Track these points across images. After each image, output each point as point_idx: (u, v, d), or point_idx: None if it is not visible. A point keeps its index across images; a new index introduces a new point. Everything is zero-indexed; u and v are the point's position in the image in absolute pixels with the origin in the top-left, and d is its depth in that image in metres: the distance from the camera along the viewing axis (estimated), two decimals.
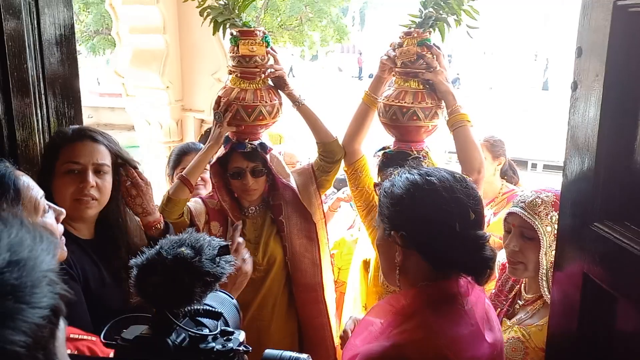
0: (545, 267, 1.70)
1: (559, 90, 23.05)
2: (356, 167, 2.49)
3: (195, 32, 3.26)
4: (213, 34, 2.40)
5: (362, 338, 1.38)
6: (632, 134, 0.96)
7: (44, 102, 1.93)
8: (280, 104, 2.37)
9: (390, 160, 2.28)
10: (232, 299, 1.20)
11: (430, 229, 1.29)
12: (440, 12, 2.22)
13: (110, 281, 1.75)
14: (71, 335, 1.17)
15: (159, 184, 3.32)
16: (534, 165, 12.58)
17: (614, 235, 0.97)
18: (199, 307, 1.04)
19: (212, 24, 2.37)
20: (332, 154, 2.41)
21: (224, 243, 1.07)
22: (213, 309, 1.07)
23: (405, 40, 2.27)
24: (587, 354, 1.09)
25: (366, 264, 2.46)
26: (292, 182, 2.44)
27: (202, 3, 2.36)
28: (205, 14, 2.36)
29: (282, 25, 16.82)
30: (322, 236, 2.50)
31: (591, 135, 1.02)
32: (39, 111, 1.91)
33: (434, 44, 2.27)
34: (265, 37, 2.35)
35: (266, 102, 2.30)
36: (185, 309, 1.02)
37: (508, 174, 3.28)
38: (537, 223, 1.72)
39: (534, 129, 15.30)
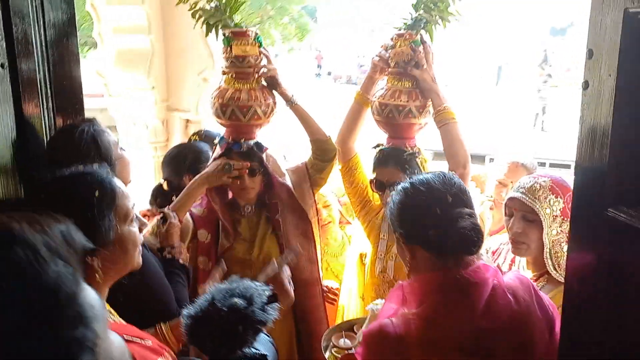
0: (548, 246, 1.87)
1: (510, 84, 23.71)
2: (350, 164, 2.58)
3: (180, 32, 3.27)
4: (206, 36, 2.44)
5: None
6: None
7: (50, 103, 1.95)
8: (275, 103, 2.43)
9: (386, 157, 2.38)
10: (269, 336, 1.31)
11: (418, 219, 1.48)
12: (431, 14, 2.34)
13: None
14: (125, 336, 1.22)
15: (144, 184, 3.34)
16: (491, 160, 12.97)
17: (626, 218, 1.11)
18: (248, 351, 1.14)
19: (204, 25, 2.42)
20: (325, 152, 2.47)
21: (272, 291, 1.18)
22: (259, 352, 1.18)
23: (398, 42, 2.38)
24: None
25: (363, 257, 2.57)
26: (288, 181, 2.50)
27: (193, 6, 2.41)
28: (197, 16, 2.41)
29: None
30: (316, 234, 2.58)
31: (604, 130, 1.16)
32: (46, 113, 1.94)
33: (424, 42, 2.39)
34: (258, 38, 2.40)
35: (261, 101, 2.36)
36: (237, 354, 1.12)
37: None
38: (537, 206, 1.88)
39: (489, 124, 15.75)
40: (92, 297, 0.65)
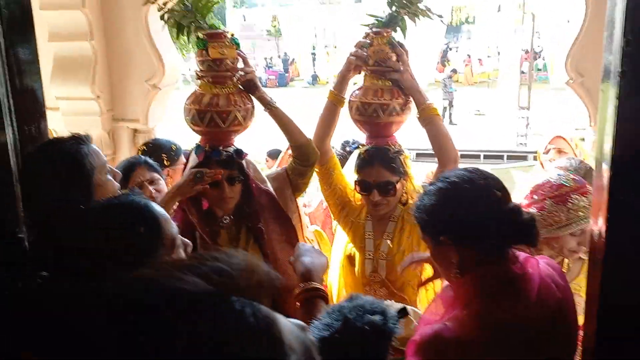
0: None
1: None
2: (328, 166, 2.51)
3: (124, 37, 3.01)
4: (177, 38, 2.29)
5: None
6: None
7: (14, 117, 1.72)
8: (253, 107, 2.32)
9: (372, 157, 2.33)
10: None
11: (470, 220, 1.39)
12: (406, 10, 2.32)
13: None
14: None
15: None
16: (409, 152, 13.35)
17: None
18: None
19: (173, 27, 2.26)
20: (307, 156, 2.38)
21: (401, 305, 1.11)
22: None
23: (375, 40, 2.33)
24: None
25: (350, 258, 2.49)
26: (270, 187, 2.39)
27: (162, 7, 2.23)
28: (166, 17, 2.23)
29: None
30: (301, 239, 2.49)
31: None
32: (9, 130, 1.70)
33: (398, 42, 2.37)
34: (234, 39, 2.27)
35: (240, 106, 2.24)
36: None
37: None
38: (584, 222, 1.97)
39: None
40: (287, 325, 0.60)
